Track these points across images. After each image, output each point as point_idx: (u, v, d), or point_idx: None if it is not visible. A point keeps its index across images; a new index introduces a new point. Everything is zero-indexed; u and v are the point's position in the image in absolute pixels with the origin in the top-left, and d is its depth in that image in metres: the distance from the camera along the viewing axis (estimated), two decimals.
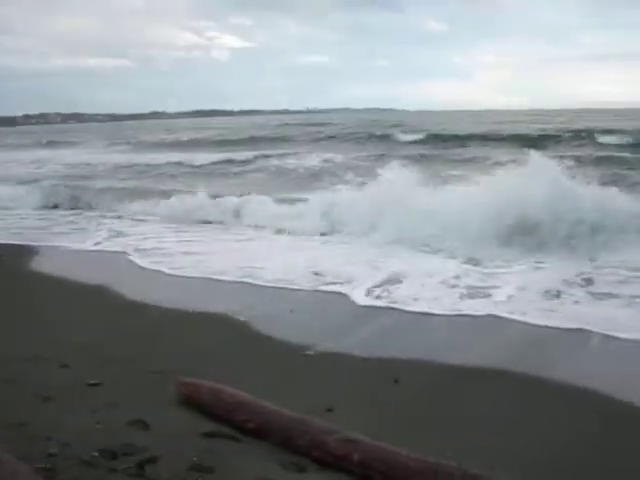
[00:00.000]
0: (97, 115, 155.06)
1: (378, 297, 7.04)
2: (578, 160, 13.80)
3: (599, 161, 17.74)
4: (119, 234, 11.67)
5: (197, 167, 23.01)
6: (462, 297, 7.00)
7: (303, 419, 3.34)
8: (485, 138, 26.98)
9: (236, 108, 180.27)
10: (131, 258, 9.45)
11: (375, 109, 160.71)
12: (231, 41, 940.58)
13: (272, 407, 3.50)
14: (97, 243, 10.97)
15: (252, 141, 32.54)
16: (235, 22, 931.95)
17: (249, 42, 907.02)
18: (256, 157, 24.05)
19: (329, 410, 4.00)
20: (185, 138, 39.05)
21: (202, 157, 25.16)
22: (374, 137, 30.75)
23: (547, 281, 7.36)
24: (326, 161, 21.75)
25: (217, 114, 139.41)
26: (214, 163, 23.61)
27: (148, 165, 23.96)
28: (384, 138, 29.84)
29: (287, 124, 50.91)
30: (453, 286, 7.40)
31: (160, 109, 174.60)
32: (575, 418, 4.18)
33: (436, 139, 27.62)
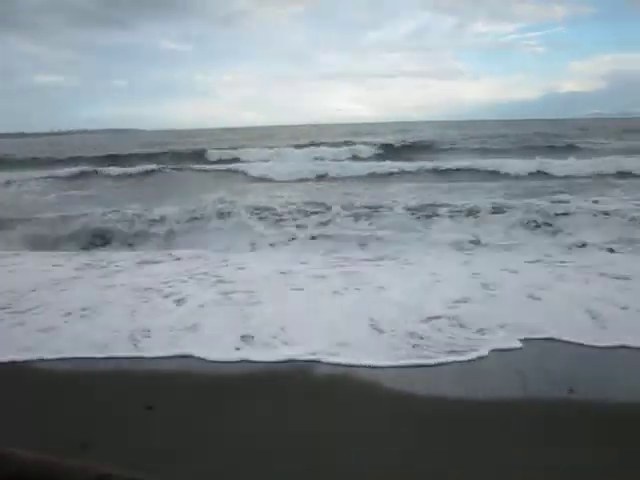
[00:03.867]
0: None
1: None
2: None
3: None
4: None
5: None
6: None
7: (53, 461, 3.00)
8: None
9: None
10: None
11: (114, 130, 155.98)
12: None
13: (18, 452, 3.10)
14: None
15: None
16: None
17: None
18: None
19: (83, 446, 3.80)
20: None
21: None
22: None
23: None
24: None
25: None
26: None
27: None
28: None
29: None
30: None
31: None
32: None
33: None
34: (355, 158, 26.12)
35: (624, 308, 6.53)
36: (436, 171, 20.69)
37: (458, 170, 20.46)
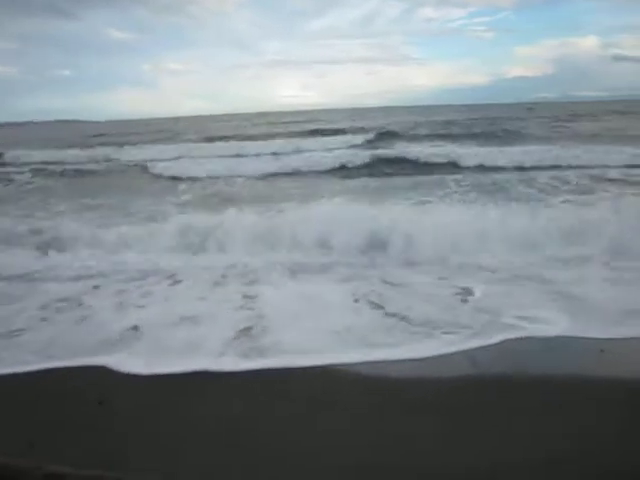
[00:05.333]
0: None
1: None
2: None
3: None
4: None
5: None
6: None
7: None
8: None
9: None
10: None
11: (62, 121, 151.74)
12: None
13: None
14: None
15: None
16: None
17: None
18: None
19: (31, 445, 3.79)
20: None
21: None
22: None
23: None
24: None
25: None
26: None
27: None
28: None
29: None
30: None
31: None
32: None
33: None
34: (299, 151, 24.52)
35: None
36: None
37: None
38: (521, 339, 5.57)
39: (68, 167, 22.23)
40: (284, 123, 48.25)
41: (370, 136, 28.31)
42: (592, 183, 14.36)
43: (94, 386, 4.89)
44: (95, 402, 4.53)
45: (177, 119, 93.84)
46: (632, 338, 5.51)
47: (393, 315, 6.26)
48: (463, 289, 7.02)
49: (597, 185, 14.03)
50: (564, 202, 11.63)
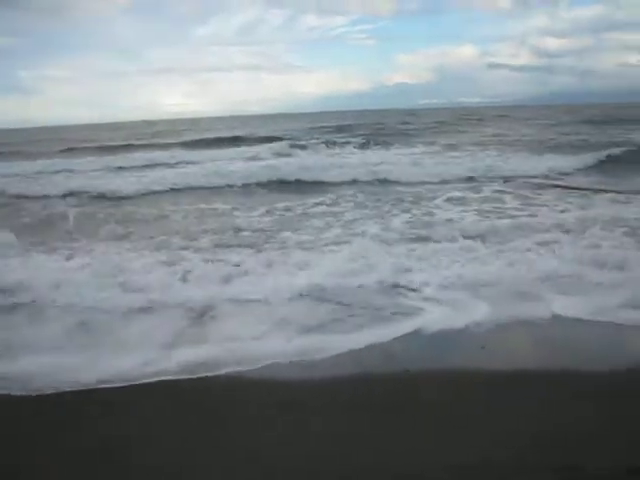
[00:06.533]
0: None
1: None
2: None
3: None
4: None
5: None
6: None
7: None
8: None
9: None
10: None
11: None
12: None
13: None
14: None
15: None
16: None
17: None
18: None
19: None
20: None
21: None
22: None
23: None
24: None
25: None
26: None
27: None
28: None
29: None
30: None
31: None
32: None
33: None
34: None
35: None
36: None
37: None
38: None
39: None
40: (169, 132, 45.98)
41: (258, 145, 27.06)
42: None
43: None
44: None
45: (57, 128, 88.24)
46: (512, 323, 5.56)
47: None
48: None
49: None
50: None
